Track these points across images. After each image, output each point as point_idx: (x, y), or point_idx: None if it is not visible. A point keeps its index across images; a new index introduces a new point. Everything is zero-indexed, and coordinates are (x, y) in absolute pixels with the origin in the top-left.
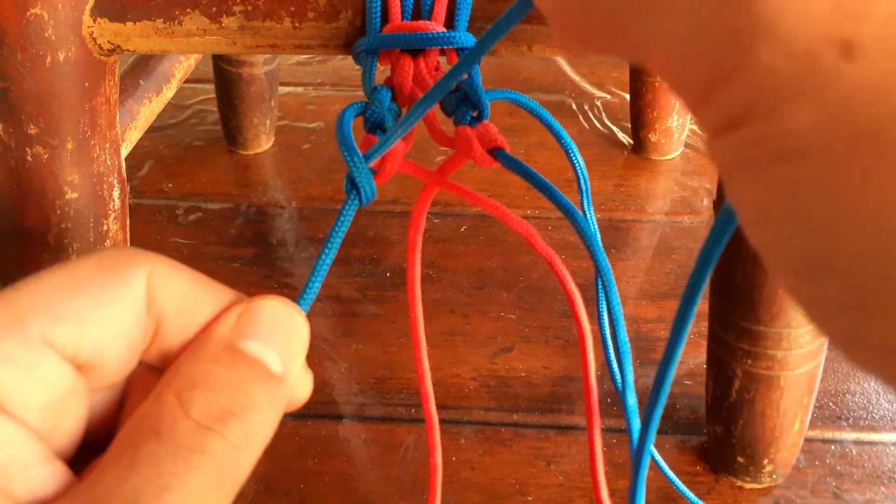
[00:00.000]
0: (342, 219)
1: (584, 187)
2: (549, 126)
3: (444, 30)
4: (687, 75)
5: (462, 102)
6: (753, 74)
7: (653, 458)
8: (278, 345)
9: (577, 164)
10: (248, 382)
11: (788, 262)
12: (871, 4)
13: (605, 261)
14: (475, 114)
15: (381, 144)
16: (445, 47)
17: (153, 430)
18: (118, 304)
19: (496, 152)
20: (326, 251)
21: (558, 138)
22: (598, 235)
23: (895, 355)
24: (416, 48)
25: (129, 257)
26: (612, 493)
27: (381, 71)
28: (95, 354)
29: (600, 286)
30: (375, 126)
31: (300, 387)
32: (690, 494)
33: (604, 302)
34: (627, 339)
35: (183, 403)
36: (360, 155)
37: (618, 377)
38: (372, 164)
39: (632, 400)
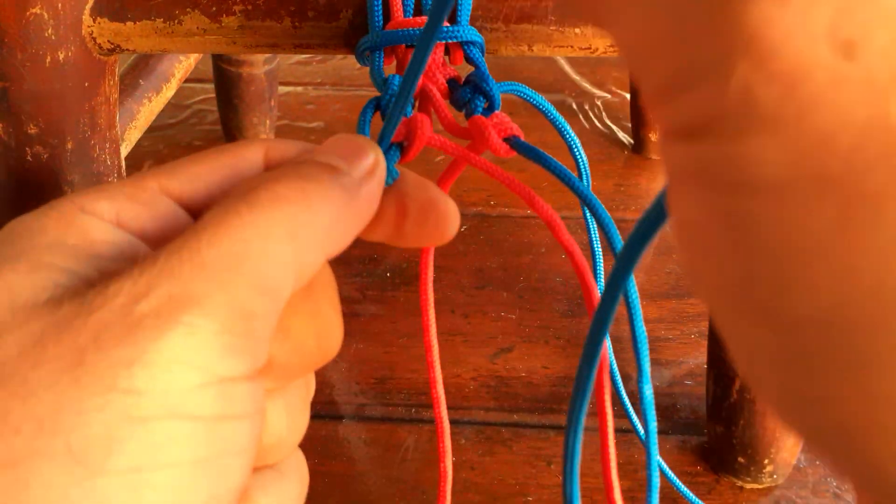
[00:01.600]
0: None
1: (586, 181)
2: (553, 122)
3: (448, 24)
4: (650, 65)
5: (473, 94)
6: (725, 88)
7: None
8: (342, 152)
9: (580, 160)
10: (310, 173)
11: (719, 301)
12: (875, 28)
13: (620, 242)
14: (486, 105)
15: (392, 117)
16: (450, 42)
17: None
18: (233, 169)
19: (512, 140)
20: None
21: (562, 133)
22: (614, 225)
23: (836, 422)
24: None
25: (247, 141)
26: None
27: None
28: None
29: (600, 279)
30: None
31: (366, 199)
32: (690, 494)
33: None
34: (645, 331)
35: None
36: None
37: (618, 376)
38: (399, 138)
39: (648, 391)
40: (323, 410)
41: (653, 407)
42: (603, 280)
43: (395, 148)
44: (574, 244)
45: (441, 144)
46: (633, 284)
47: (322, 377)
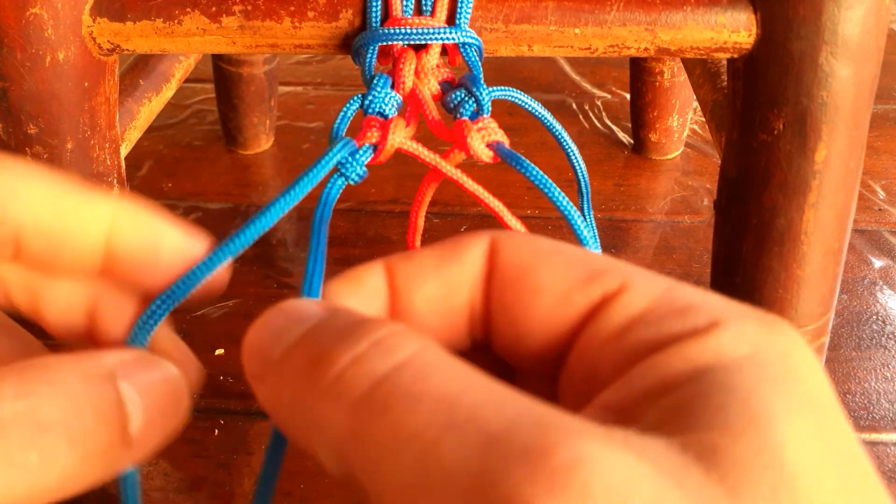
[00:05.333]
0: (327, 197)
1: (584, 190)
2: (549, 128)
3: (446, 25)
4: None
5: (464, 97)
6: None
7: None
8: (154, 408)
9: (577, 167)
10: (88, 411)
11: None
12: None
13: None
14: (476, 109)
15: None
16: (447, 43)
17: None
18: None
19: (496, 146)
20: (317, 238)
21: (558, 140)
22: (598, 238)
23: None
24: (417, 43)
25: None
26: None
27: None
28: None
29: None
30: (376, 112)
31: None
32: None
33: None
34: None
35: None
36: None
37: None
38: (372, 140)
39: None
40: None
41: None
42: None
43: (368, 147)
44: None
45: (412, 152)
46: None
47: None
